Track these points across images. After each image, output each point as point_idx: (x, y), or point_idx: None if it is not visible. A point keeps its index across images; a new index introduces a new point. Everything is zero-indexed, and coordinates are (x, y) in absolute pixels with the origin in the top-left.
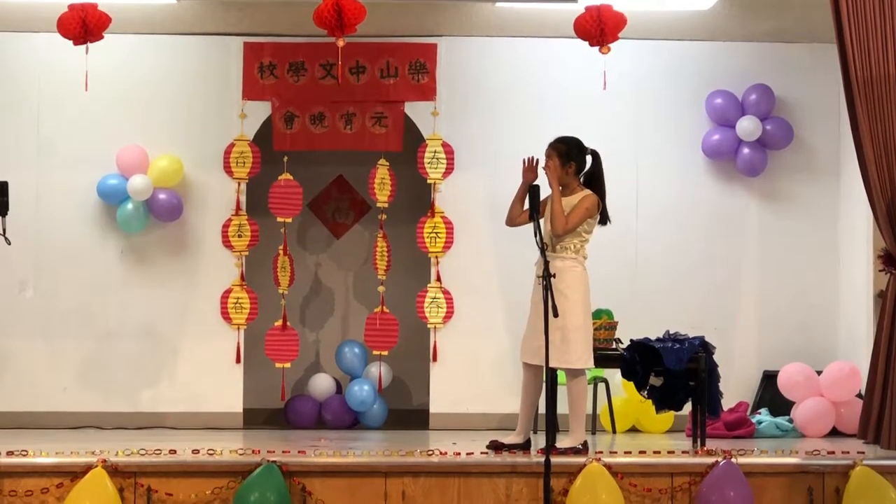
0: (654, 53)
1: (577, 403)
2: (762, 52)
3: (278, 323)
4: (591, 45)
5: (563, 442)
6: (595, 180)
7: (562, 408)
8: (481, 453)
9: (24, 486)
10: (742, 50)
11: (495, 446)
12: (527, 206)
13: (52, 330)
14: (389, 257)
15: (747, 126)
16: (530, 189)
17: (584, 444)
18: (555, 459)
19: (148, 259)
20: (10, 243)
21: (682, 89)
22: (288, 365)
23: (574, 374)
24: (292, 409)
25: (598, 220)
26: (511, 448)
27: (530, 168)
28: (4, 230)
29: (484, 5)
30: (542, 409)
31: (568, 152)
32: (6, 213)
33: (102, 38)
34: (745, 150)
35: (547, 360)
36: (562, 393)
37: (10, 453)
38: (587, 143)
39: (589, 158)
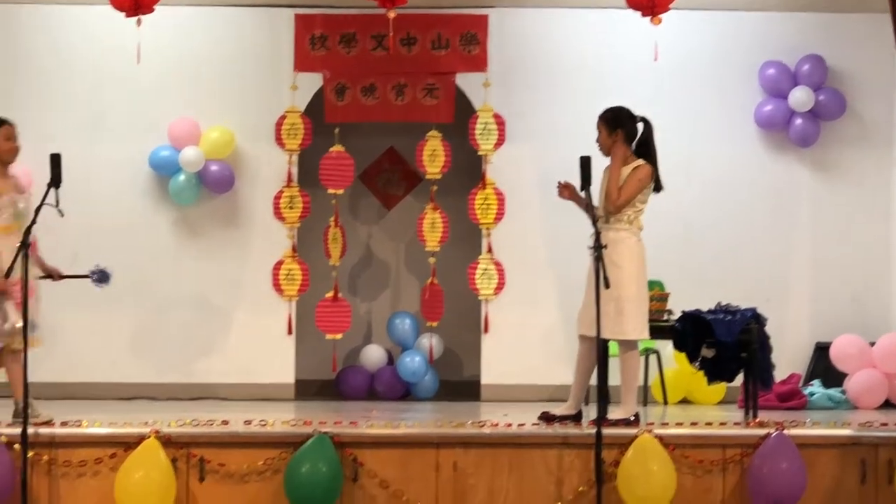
0: (707, 24)
1: (630, 375)
2: (815, 23)
3: (330, 294)
4: (643, 15)
5: (614, 413)
6: (646, 148)
7: (613, 379)
8: (532, 425)
9: (78, 457)
10: (795, 20)
11: (547, 417)
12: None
13: (104, 302)
14: (446, 229)
15: (800, 97)
16: (582, 161)
17: (636, 415)
18: (606, 431)
19: (200, 231)
20: (62, 215)
21: (734, 60)
22: (339, 336)
23: (627, 345)
24: (344, 381)
25: (651, 188)
26: (562, 419)
27: (565, 187)
28: (58, 202)
29: None
30: (594, 381)
31: (614, 119)
32: (59, 186)
33: (154, 10)
34: (798, 121)
35: (598, 332)
36: (614, 364)
37: (64, 424)
38: (639, 114)
39: (640, 126)
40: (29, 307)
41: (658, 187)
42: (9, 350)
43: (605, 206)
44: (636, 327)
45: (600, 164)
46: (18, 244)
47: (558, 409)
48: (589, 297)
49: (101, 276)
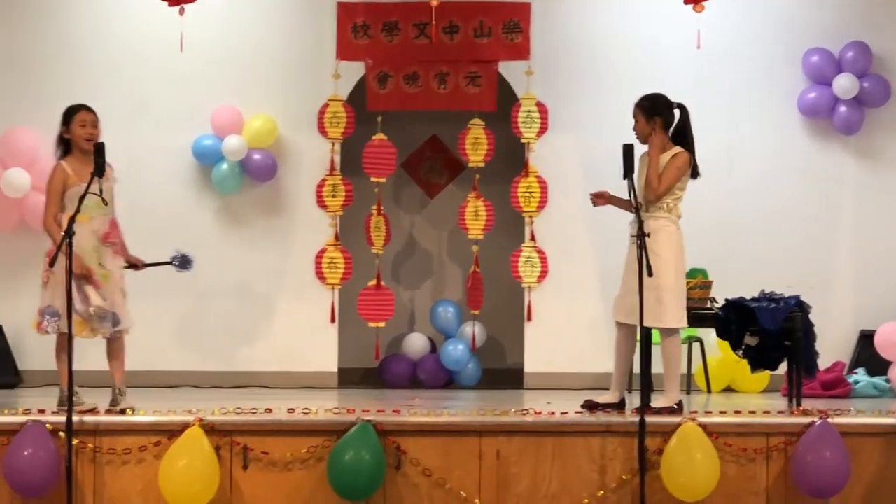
0: (750, 10)
1: (672, 363)
2: (859, 9)
3: (373, 283)
4: (686, 2)
5: (657, 402)
6: (683, 134)
7: (657, 367)
8: (576, 413)
9: (123, 445)
10: (839, 7)
11: (590, 406)
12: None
13: (148, 290)
14: (490, 217)
15: (844, 84)
16: (624, 148)
17: (679, 403)
18: (650, 419)
19: (243, 219)
20: (106, 204)
21: (777, 47)
22: (382, 324)
23: (668, 333)
24: (387, 369)
25: (689, 175)
26: (605, 407)
27: (599, 196)
28: (101, 191)
29: None
30: (637, 369)
31: (652, 107)
32: (102, 175)
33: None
34: (842, 108)
35: (641, 320)
36: (656, 352)
37: (109, 412)
38: (682, 101)
39: (677, 112)
40: (102, 296)
41: (695, 174)
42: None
43: (646, 194)
44: (675, 315)
45: (638, 151)
46: (93, 231)
47: (602, 398)
48: (626, 284)
49: (184, 261)
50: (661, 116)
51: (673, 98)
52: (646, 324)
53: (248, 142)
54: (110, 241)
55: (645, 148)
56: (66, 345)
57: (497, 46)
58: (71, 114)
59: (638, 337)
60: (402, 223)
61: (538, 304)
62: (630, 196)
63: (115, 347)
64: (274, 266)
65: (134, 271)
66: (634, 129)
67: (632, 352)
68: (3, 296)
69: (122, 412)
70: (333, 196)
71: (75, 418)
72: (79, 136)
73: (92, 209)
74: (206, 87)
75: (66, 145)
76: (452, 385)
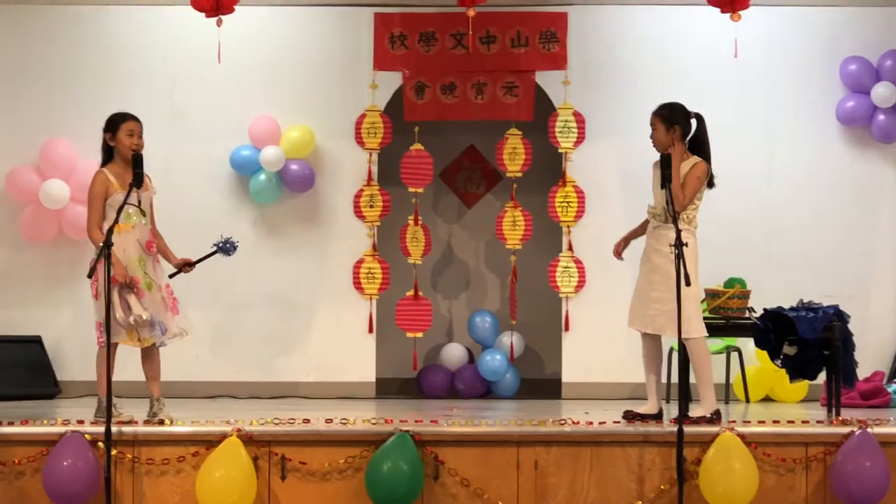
0: (787, 20)
1: (702, 371)
2: None
3: (410, 293)
4: (723, 11)
5: (695, 411)
6: (700, 144)
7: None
8: (614, 423)
9: (161, 455)
10: (877, 15)
11: (630, 416)
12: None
13: (185, 300)
14: (528, 226)
15: (882, 92)
16: (662, 158)
17: (716, 412)
18: (688, 429)
19: (280, 229)
20: (144, 214)
21: (815, 56)
22: (420, 335)
23: (692, 343)
24: (425, 379)
25: (706, 186)
26: (645, 417)
27: (616, 252)
28: (139, 202)
29: None
30: (675, 379)
31: (671, 116)
32: (140, 185)
33: (234, 10)
34: (881, 117)
35: (680, 331)
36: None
37: (147, 422)
38: (720, 111)
39: (693, 122)
40: (144, 305)
41: (711, 184)
42: (146, 349)
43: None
44: (694, 325)
45: (651, 159)
46: (136, 240)
47: (642, 407)
48: (642, 292)
49: (228, 245)
50: (679, 125)
51: (711, 107)
52: (665, 334)
53: (285, 152)
54: (153, 250)
55: (656, 156)
56: (105, 355)
57: (534, 56)
58: (118, 122)
59: (676, 347)
60: (440, 233)
61: (576, 314)
62: (667, 206)
63: (151, 358)
64: (311, 276)
65: (185, 274)
66: (652, 137)
67: (659, 360)
68: (43, 307)
69: (161, 422)
70: (371, 206)
71: (114, 429)
72: (125, 146)
73: (134, 218)
74: (244, 98)
75: (108, 153)
76: (490, 395)
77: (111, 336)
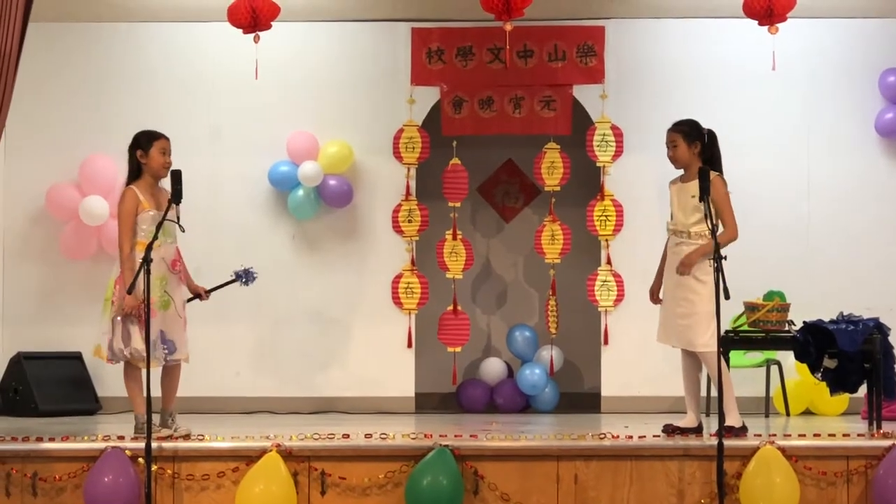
0: (825, 32)
1: (721, 385)
2: None
3: (451, 307)
4: (760, 24)
5: (682, 421)
6: (712, 161)
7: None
8: (654, 437)
9: (201, 470)
10: None
11: (670, 430)
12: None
13: (225, 315)
14: (567, 240)
15: None
16: (701, 172)
17: (742, 425)
18: (728, 442)
19: (319, 245)
20: (183, 231)
21: (853, 68)
22: (459, 349)
23: (705, 358)
24: (464, 393)
25: None
26: (685, 431)
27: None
28: (179, 218)
29: None
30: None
31: (692, 132)
32: (180, 201)
33: (271, 27)
34: None
35: (719, 344)
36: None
37: (187, 438)
38: (758, 124)
39: (706, 139)
40: (161, 325)
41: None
42: (132, 366)
43: (730, 236)
44: (703, 339)
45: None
46: (162, 258)
47: (682, 421)
48: (666, 309)
49: (247, 276)
50: (700, 141)
51: (749, 120)
52: (677, 345)
53: (323, 168)
54: (177, 268)
55: (674, 173)
56: (134, 372)
57: (571, 70)
58: (151, 139)
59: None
60: (479, 248)
61: (615, 328)
62: (706, 220)
63: (171, 373)
64: (350, 291)
65: (200, 301)
66: (671, 155)
67: (695, 373)
68: (83, 323)
69: (187, 437)
70: (409, 221)
71: (154, 444)
72: (158, 164)
73: (161, 236)
74: (282, 114)
75: (136, 170)
76: (529, 409)
77: (114, 357)
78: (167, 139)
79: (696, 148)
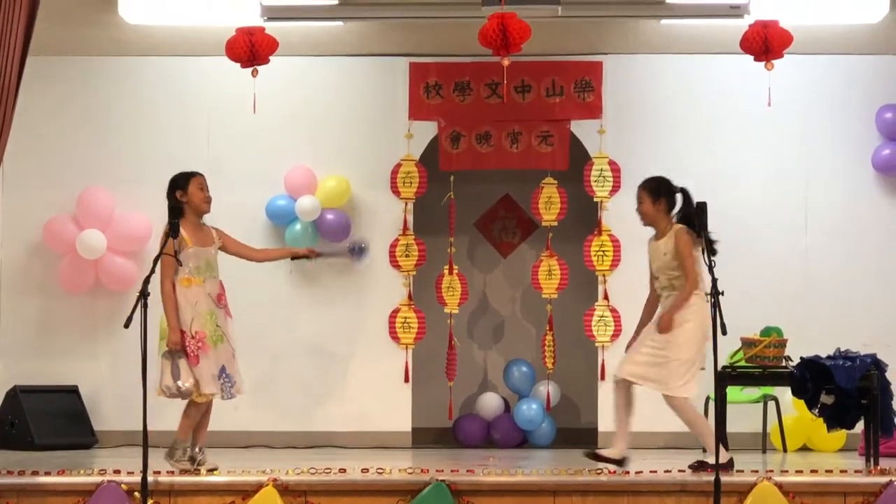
0: (822, 68)
1: (693, 427)
2: None
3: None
4: (756, 60)
5: (607, 451)
6: (690, 219)
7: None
8: (650, 472)
9: None
10: None
11: (593, 456)
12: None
13: None
14: (564, 275)
15: None
16: (698, 206)
17: (729, 461)
18: (725, 478)
19: (316, 279)
20: (181, 264)
21: (850, 104)
22: (451, 383)
23: (676, 400)
24: (461, 428)
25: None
26: (609, 461)
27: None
28: (176, 252)
29: (649, 22)
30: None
31: (657, 189)
32: (177, 236)
33: (269, 61)
34: None
35: (716, 380)
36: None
37: (183, 472)
38: (755, 159)
39: (679, 197)
40: (220, 360)
41: (713, 250)
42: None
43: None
44: (677, 383)
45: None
46: (207, 294)
47: (606, 451)
48: (638, 344)
49: (360, 251)
50: (665, 198)
51: (746, 155)
52: (649, 386)
53: (321, 202)
54: (223, 302)
55: (649, 232)
56: (188, 409)
57: (569, 105)
58: (187, 179)
59: (713, 396)
60: (476, 283)
61: (612, 363)
62: (703, 255)
63: (207, 409)
64: (347, 326)
65: (308, 260)
66: (638, 210)
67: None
68: (80, 357)
69: (197, 471)
70: (406, 256)
71: (150, 478)
72: (199, 199)
73: (204, 272)
74: (280, 148)
75: (177, 211)
76: (526, 444)
77: (167, 393)
78: (202, 176)
79: (661, 205)
